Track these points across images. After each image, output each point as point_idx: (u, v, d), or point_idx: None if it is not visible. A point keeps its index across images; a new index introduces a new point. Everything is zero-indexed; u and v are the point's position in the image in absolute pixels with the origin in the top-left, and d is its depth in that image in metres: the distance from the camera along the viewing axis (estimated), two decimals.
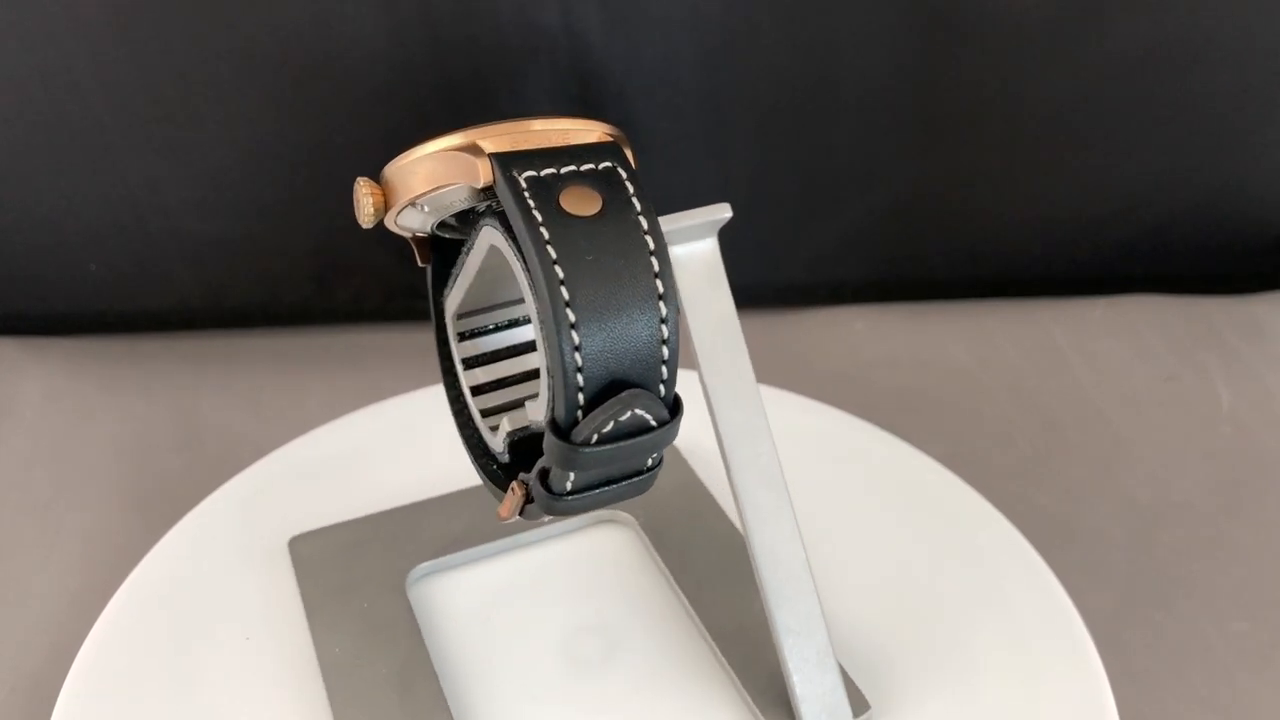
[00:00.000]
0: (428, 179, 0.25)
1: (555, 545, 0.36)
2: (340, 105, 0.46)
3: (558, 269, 0.22)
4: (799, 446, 0.39)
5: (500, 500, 0.27)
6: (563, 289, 0.22)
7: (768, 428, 0.28)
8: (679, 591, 0.34)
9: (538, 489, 0.25)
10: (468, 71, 0.46)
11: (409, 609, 0.32)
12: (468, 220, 0.27)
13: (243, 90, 0.45)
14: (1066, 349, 0.51)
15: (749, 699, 0.30)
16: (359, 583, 0.33)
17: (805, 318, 0.53)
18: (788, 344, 0.51)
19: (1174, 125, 0.49)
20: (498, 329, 0.30)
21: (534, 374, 0.30)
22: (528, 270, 0.23)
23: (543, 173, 0.23)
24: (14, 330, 0.51)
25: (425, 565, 0.34)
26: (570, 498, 0.25)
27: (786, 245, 0.52)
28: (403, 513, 0.36)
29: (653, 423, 0.23)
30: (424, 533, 0.35)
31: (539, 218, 0.22)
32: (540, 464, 0.25)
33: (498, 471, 0.29)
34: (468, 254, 0.27)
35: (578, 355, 0.22)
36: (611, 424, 0.23)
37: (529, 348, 0.30)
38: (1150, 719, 0.34)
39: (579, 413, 0.23)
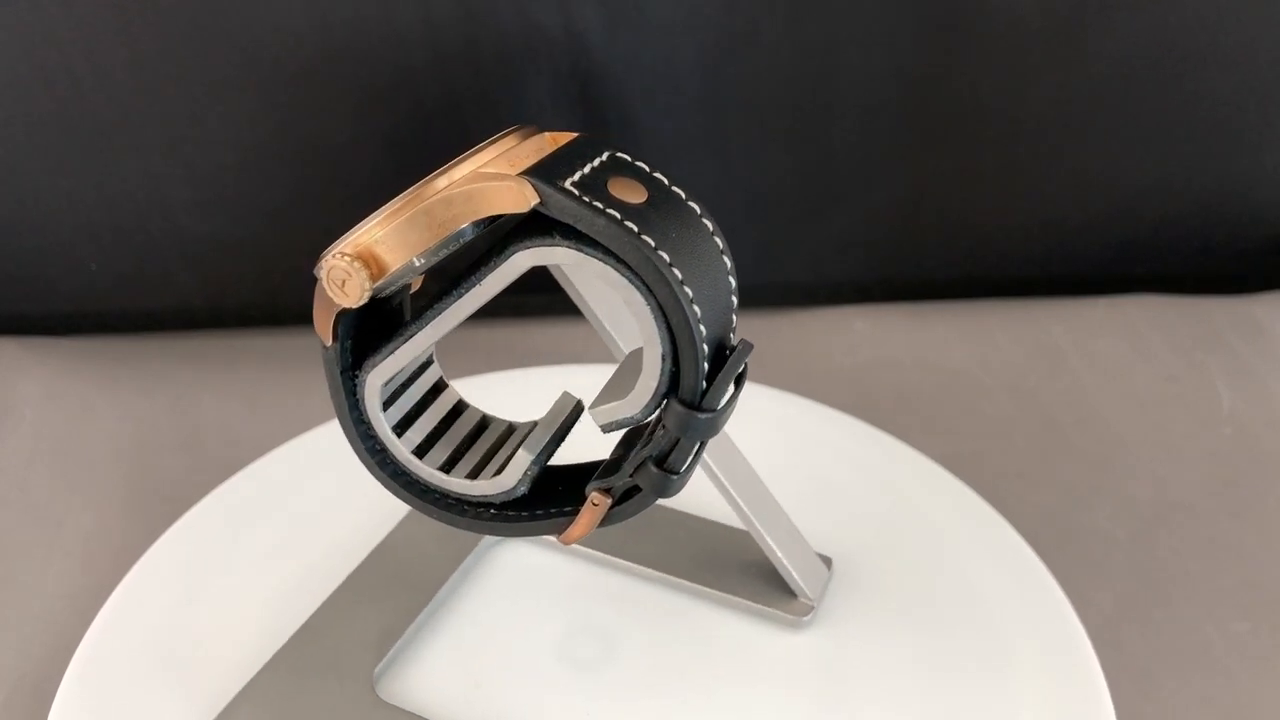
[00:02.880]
0: (443, 224, 0.24)
1: (479, 578, 0.35)
2: (340, 106, 0.46)
3: (662, 254, 0.23)
4: (797, 447, 0.39)
5: (561, 529, 0.28)
6: (674, 270, 0.23)
7: None
8: (631, 563, 0.34)
9: (652, 477, 0.26)
10: (468, 72, 0.46)
11: (396, 710, 0.30)
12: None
13: (243, 90, 0.45)
14: (1066, 349, 0.51)
15: (751, 602, 0.33)
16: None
17: (805, 318, 0.53)
18: (788, 344, 0.51)
19: (1174, 125, 0.49)
20: (408, 383, 0.29)
21: (459, 410, 0.30)
22: (628, 268, 0.23)
23: (577, 175, 0.23)
24: (14, 330, 0.51)
25: (379, 667, 0.31)
26: (686, 472, 0.26)
27: (786, 245, 0.52)
28: (310, 631, 0.32)
29: (742, 368, 0.25)
30: (349, 637, 0.32)
31: (617, 214, 0.23)
32: (646, 454, 0.25)
33: (504, 512, 0.29)
34: (461, 296, 0.25)
35: (701, 328, 0.23)
36: (733, 382, 0.24)
37: (440, 388, 0.30)
38: (1150, 719, 0.34)
39: (704, 381, 0.24)
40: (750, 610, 0.33)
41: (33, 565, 0.39)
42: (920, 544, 0.35)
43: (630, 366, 0.27)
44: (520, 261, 0.24)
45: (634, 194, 0.24)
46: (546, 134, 0.25)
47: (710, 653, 0.32)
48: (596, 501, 0.27)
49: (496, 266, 0.24)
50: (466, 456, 0.29)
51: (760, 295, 0.52)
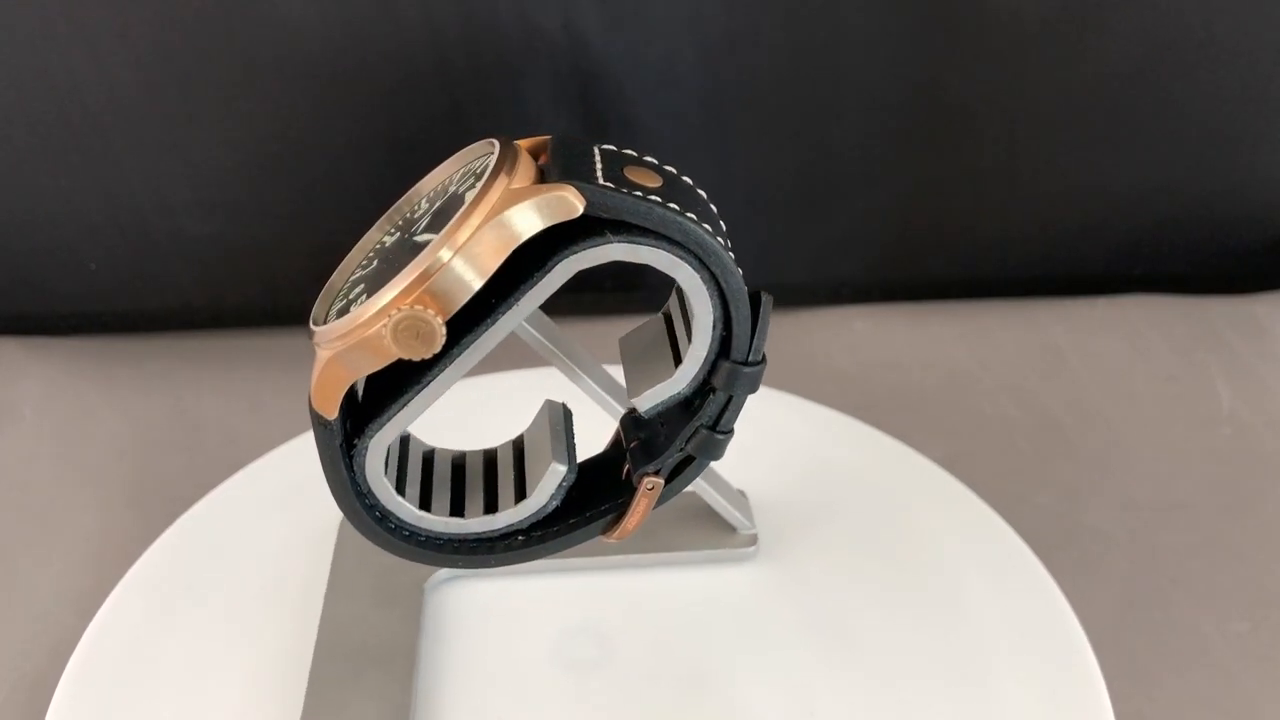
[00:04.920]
0: (496, 249, 0.23)
1: (444, 626, 0.33)
2: (341, 106, 0.46)
3: (706, 226, 0.24)
4: (795, 447, 0.39)
5: (608, 527, 0.29)
6: (718, 240, 0.24)
7: None
8: (577, 558, 0.34)
9: (708, 441, 0.27)
10: (468, 72, 0.46)
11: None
12: None
13: (243, 90, 0.45)
14: (1066, 349, 0.51)
15: (712, 552, 0.34)
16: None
17: (805, 318, 0.53)
18: (788, 344, 0.51)
19: (1174, 125, 0.49)
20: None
21: (432, 455, 0.30)
22: (681, 248, 0.24)
23: (600, 172, 0.24)
24: (14, 330, 0.51)
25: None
26: (732, 430, 0.27)
27: (786, 245, 0.52)
28: None
29: None
30: None
31: (659, 200, 0.24)
32: (699, 422, 0.27)
33: (532, 534, 0.29)
34: (494, 323, 0.24)
35: (744, 287, 0.25)
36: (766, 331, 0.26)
37: (407, 438, 0.29)
38: (1150, 719, 0.34)
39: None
40: (707, 559, 0.34)
41: (32, 565, 0.39)
42: (919, 545, 0.35)
43: (640, 353, 0.28)
44: (566, 269, 0.24)
45: (652, 179, 0.24)
46: (517, 142, 0.25)
47: (695, 609, 0.33)
48: (651, 485, 0.28)
49: (538, 281, 0.24)
50: (469, 495, 0.29)
51: None
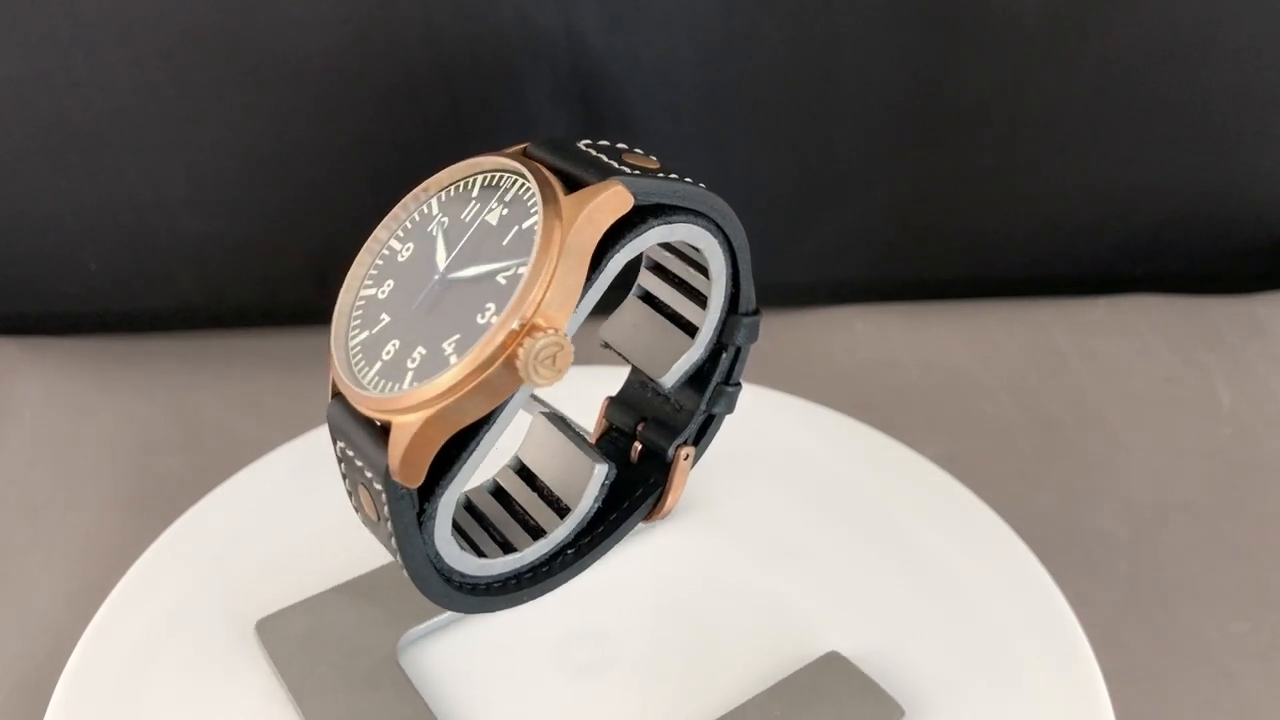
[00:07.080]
0: (582, 256, 0.23)
1: (437, 684, 0.31)
2: (340, 106, 0.46)
3: (713, 194, 0.26)
4: (795, 448, 0.39)
5: (649, 510, 0.29)
6: (723, 201, 0.26)
7: None
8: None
9: (726, 396, 0.29)
10: (468, 72, 0.46)
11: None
12: None
13: (243, 90, 0.45)
14: (1066, 349, 0.51)
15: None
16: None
17: (805, 318, 0.53)
18: (787, 344, 0.51)
19: (1174, 125, 0.49)
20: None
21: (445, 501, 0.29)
22: (704, 218, 0.26)
23: (617, 164, 0.24)
24: (14, 330, 0.51)
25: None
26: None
27: (786, 244, 0.52)
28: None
29: None
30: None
31: (676, 177, 0.25)
32: (717, 380, 0.28)
33: (580, 542, 0.28)
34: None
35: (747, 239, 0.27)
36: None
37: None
38: (1150, 719, 0.34)
39: None
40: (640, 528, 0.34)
41: (31, 565, 0.39)
42: (916, 545, 0.35)
43: (636, 336, 0.28)
44: (616, 264, 0.24)
45: (651, 161, 0.25)
46: (514, 150, 0.25)
47: (680, 585, 0.34)
48: (686, 455, 0.29)
49: (594, 281, 0.24)
50: (507, 530, 0.29)
51: (760, 295, 0.52)
